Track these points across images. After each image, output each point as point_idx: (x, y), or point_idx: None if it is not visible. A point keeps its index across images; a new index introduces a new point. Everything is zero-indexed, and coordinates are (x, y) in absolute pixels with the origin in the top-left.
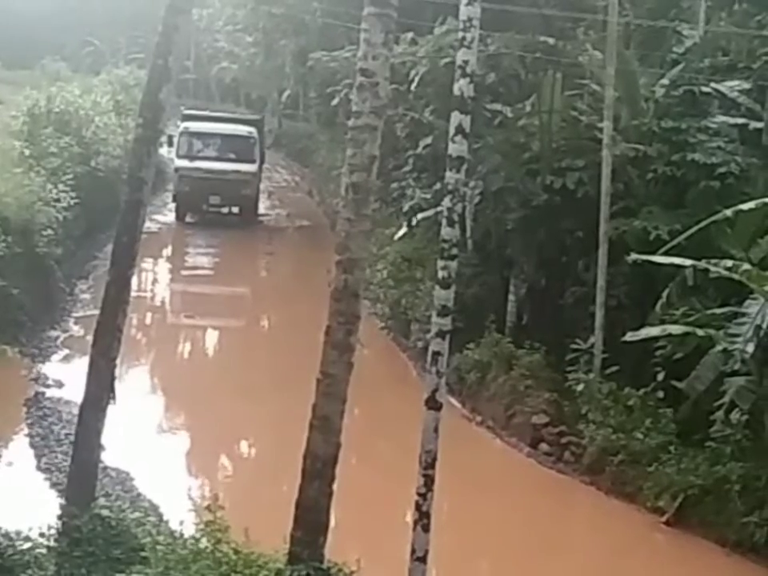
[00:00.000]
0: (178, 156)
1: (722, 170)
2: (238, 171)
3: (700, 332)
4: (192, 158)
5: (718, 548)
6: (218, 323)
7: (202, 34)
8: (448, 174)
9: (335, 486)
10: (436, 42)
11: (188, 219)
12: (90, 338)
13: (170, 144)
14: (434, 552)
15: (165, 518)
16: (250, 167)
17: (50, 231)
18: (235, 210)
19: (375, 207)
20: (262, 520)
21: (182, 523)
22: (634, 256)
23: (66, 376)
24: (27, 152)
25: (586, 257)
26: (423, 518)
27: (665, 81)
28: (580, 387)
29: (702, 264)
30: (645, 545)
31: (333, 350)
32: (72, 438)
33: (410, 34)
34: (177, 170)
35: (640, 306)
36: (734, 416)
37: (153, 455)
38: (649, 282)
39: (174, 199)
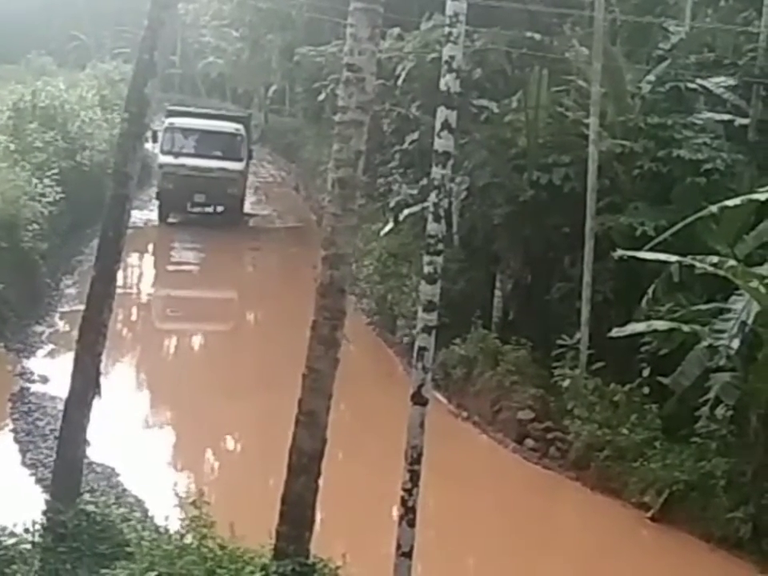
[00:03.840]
0: (162, 152)
1: (708, 166)
2: (224, 169)
3: (685, 328)
4: (177, 155)
5: (703, 543)
6: (204, 319)
7: (188, 29)
8: (434, 169)
9: (321, 482)
10: (422, 37)
11: (169, 219)
12: (75, 333)
13: (154, 140)
14: (419, 547)
15: (150, 513)
16: (237, 165)
17: (35, 226)
18: (219, 209)
19: (361, 203)
20: (247, 515)
21: (167, 519)
22: (620, 252)
23: (52, 371)
24: (12, 147)
25: (572, 252)
26: (409, 514)
27: (651, 77)
28: (566, 383)
29: (688, 260)
30: (630, 540)
31: (319, 346)
32: (57, 433)
33: (396, 30)
34: (161, 166)
35: (626, 302)
36: (719, 412)
37: (138, 451)
38: (635, 277)
39: (158, 197)
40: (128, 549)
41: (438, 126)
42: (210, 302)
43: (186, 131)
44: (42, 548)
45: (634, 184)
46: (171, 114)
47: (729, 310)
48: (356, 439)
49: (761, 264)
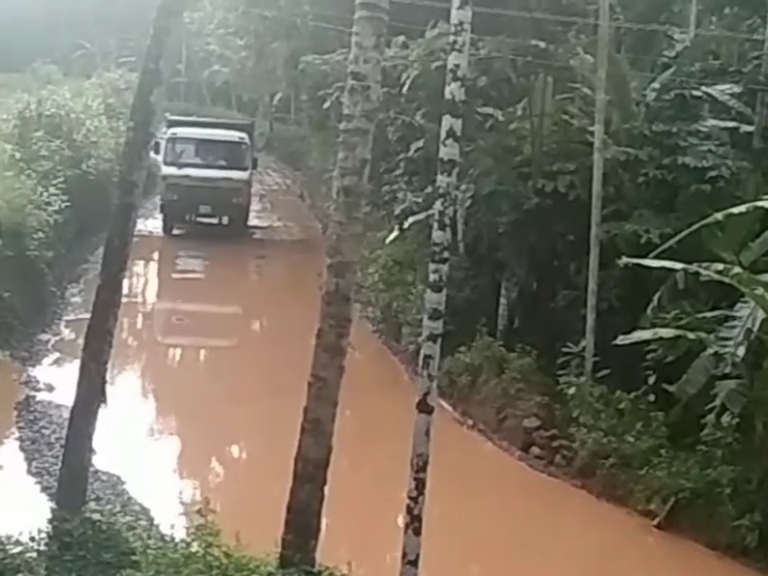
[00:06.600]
0: (165, 163)
1: (713, 173)
2: (229, 179)
3: (691, 335)
4: (180, 166)
5: (709, 551)
6: (208, 327)
7: (193, 37)
8: (439, 177)
9: (326, 490)
10: (427, 45)
11: (174, 231)
12: (80, 341)
13: (156, 151)
14: (425, 555)
15: (156, 521)
16: (242, 175)
17: (40, 234)
18: (225, 220)
19: (366, 210)
20: (253, 524)
21: (172, 527)
22: (625, 259)
23: (57, 379)
24: (18, 155)
25: (577, 260)
26: (414, 522)
27: (656, 84)
28: (571, 391)
29: (693, 267)
30: (636, 548)
31: (324, 353)
32: (63, 441)
33: (401, 38)
34: (164, 178)
35: (631, 310)
36: (725, 419)
37: (144, 459)
38: (640, 285)
39: (162, 209)
40: (134, 557)
41: (443, 134)
42: (215, 311)
43: (189, 141)
44: (47, 556)
45: (638, 191)
46: (173, 123)
47: (734, 318)
48: (361, 447)
49: (766, 271)
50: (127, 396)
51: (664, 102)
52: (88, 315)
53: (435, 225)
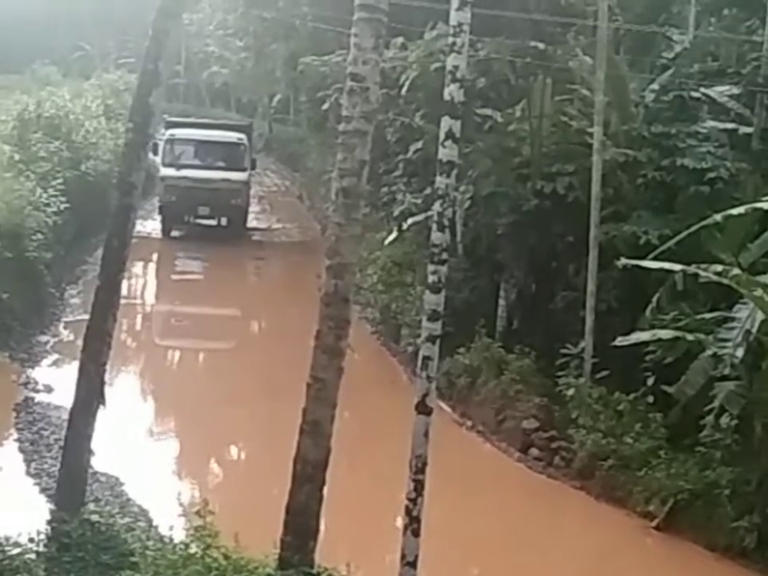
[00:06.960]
0: (164, 165)
1: (712, 174)
2: (227, 180)
3: (690, 337)
4: (179, 167)
5: (707, 552)
6: (206, 331)
7: (192, 39)
8: (438, 178)
9: (325, 491)
10: (426, 46)
11: (173, 233)
12: (79, 342)
13: (155, 152)
14: (424, 557)
15: (154, 523)
16: (240, 176)
17: (39, 236)
18: (223, 221)
19: (365, 212)
20: (252, 525)
21: (171, 528)
22: (624, 261)
23: (56, 381)
24: (17, 157)
25: (576, 261)
26: (413, 523)
27: (654, 86)
28: (570, 392)
29: (692, 269)
30: (635, 549)
31: (323, 355)
32: (61, 442)
33: (400, 39)
34: (163, 179)
35: (630, 311)
36: (724, 421)
37: (142, 460)
38: (639, 286)
39: (160, 211)
40: (132, 558)
41: (442, 135)
42: (214, 312)
43: (188, 142)
44: (46, 558)
45: (637, 193)
46: (170, 125)
47: (733, 319)
48: (360, 448)
49: (765, 273)
50: (126, 397)
51: (663, 104)
52: (87, 316)
53: (434, 226)
